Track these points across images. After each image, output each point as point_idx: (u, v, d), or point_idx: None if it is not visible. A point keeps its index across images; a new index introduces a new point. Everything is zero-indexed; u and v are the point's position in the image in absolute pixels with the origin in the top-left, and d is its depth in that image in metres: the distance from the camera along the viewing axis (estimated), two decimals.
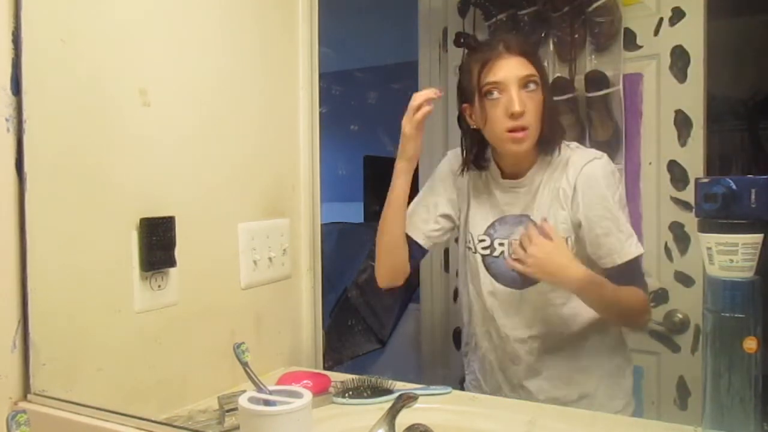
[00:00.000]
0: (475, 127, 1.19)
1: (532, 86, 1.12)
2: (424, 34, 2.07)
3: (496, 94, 1.12)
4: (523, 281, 1.18)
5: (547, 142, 1.16)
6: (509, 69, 1.11)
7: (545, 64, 1.47)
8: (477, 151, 1.22)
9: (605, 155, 1.17)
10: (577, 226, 1.14)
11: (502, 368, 1.25)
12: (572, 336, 1.20)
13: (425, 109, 1.15)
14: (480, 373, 1.30)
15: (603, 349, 1.22)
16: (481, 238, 1.22)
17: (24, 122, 0.88)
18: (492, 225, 1.21)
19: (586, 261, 1.14)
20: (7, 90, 0.88)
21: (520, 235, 1.12)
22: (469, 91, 1.17)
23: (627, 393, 1.23)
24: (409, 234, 1.26)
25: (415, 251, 1.27)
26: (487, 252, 1.22)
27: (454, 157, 1.28)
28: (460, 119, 1.23)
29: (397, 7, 2.50)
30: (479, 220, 1.23)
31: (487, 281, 1.22)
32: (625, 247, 1.12)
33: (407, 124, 1.16)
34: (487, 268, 1.22)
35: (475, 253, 1.23)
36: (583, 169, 1.13)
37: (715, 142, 1.62)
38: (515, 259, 1.11)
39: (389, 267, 1.27)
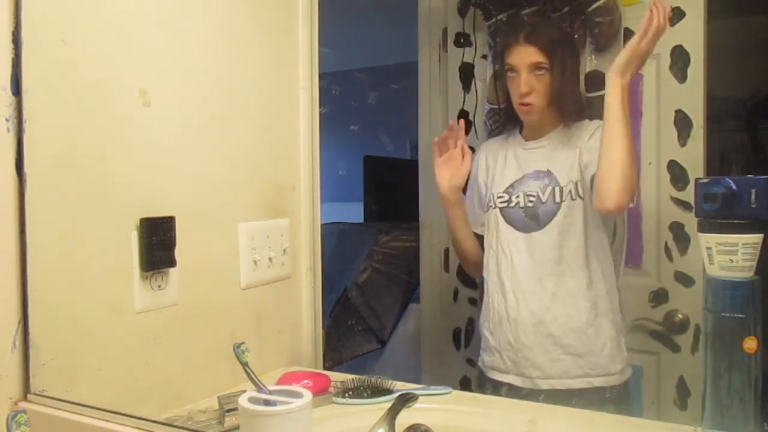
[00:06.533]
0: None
1: (541, 71, 1.33)
2: (424, 34, 2.06)
3: (512, 74, 1.36)
4: (535, 225, 1.37)
5: (560, 114, 1.38)
6: (522, 56, 1.34)
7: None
8: (509, 114, 1.47)
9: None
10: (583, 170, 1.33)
11: (510, 319, 1.38)
12: (584, 282, 1.33)
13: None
14: (490, 330, 1.43)
15: (611, 306, 1.35)
16: (499, 195, 1.42)
17: (24, 122, 0.88)
18: (511, 185, 1.41)
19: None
20: (7, 90, 0.88)
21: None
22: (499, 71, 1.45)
23: (624, 358, 1.35)
24: (475, 231, 1.49)
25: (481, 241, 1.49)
26: (504, 204, 1.41)
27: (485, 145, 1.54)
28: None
29: (397, 7, 2.50)
30: (501, 181, 1.44)
31: (504, 228, 1.40)
32: None
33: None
34: (505, 218, 1.41)
35: (494, 208, 1.43)
36: (595, 133, 1.33)
37: (715, 142, 1.62)
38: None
39: (472, 261, 1.50)
